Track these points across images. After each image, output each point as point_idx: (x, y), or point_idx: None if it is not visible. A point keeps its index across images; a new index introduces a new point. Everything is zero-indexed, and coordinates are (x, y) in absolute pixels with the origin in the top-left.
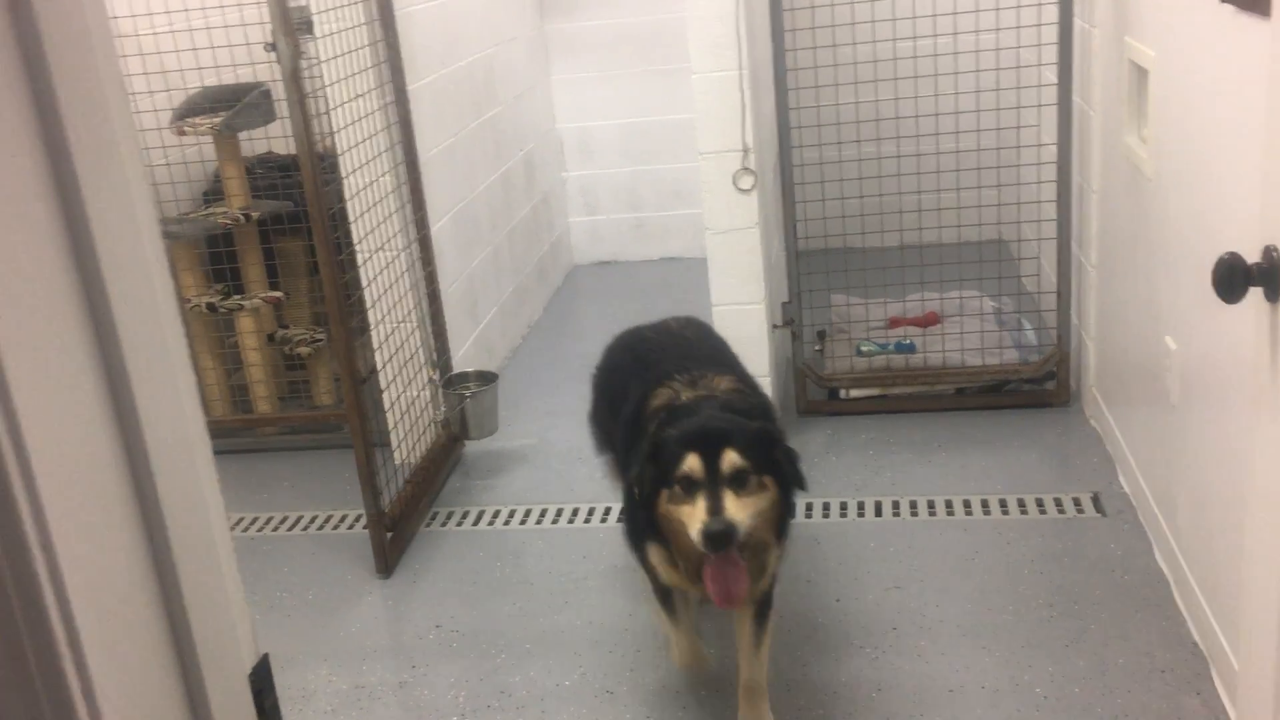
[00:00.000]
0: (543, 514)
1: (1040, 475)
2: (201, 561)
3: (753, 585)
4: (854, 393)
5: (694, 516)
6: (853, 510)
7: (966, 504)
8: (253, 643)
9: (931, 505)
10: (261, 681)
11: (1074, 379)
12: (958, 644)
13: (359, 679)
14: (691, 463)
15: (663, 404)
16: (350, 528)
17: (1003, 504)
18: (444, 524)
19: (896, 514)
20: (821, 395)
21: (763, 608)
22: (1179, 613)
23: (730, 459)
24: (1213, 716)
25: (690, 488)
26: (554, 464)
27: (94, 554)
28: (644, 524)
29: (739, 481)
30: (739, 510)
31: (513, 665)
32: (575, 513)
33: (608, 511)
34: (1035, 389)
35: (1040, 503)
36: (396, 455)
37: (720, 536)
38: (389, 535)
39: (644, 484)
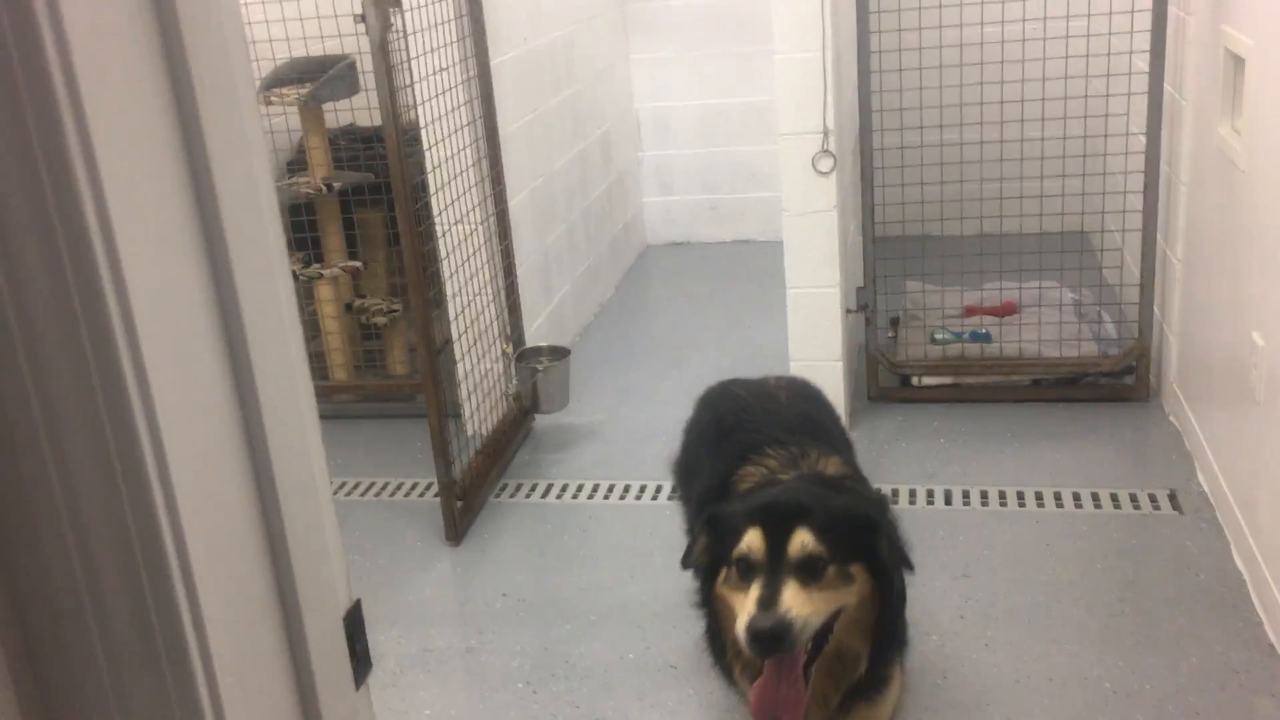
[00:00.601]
0: (610, 489)
1: (1116, 470)
2: (305, 506)
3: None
4: (926, 380)
5: (743, 608)
6: (921, 498)
7: (1039, 496)
8: (347, 588)
9: (1003, 496)
10: (354, 625)
11: (1154, 374)
12: (1026, 635)
13: (427, 643)
14: (751, 540)
15: (755, 485)
16: (421, 495)
17: (1076, 497)
18: (513, 495)
19: (967, 503)
20: (893, 382)
21: None
22: (1255, 614)
23: (801, 540)
24: None
25: (748, 571)
26: (623, 440)
27: (208, 495)
28: (718, 630)
29: (809, 569)
30: (802, 605)
31: (577, 636)
32: (643, 489)
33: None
34: (1113, 383)
35: (1115, 498)
36: (468, 426)
37: (766, 636)
38: (459, 504)
39: (695, 557)
